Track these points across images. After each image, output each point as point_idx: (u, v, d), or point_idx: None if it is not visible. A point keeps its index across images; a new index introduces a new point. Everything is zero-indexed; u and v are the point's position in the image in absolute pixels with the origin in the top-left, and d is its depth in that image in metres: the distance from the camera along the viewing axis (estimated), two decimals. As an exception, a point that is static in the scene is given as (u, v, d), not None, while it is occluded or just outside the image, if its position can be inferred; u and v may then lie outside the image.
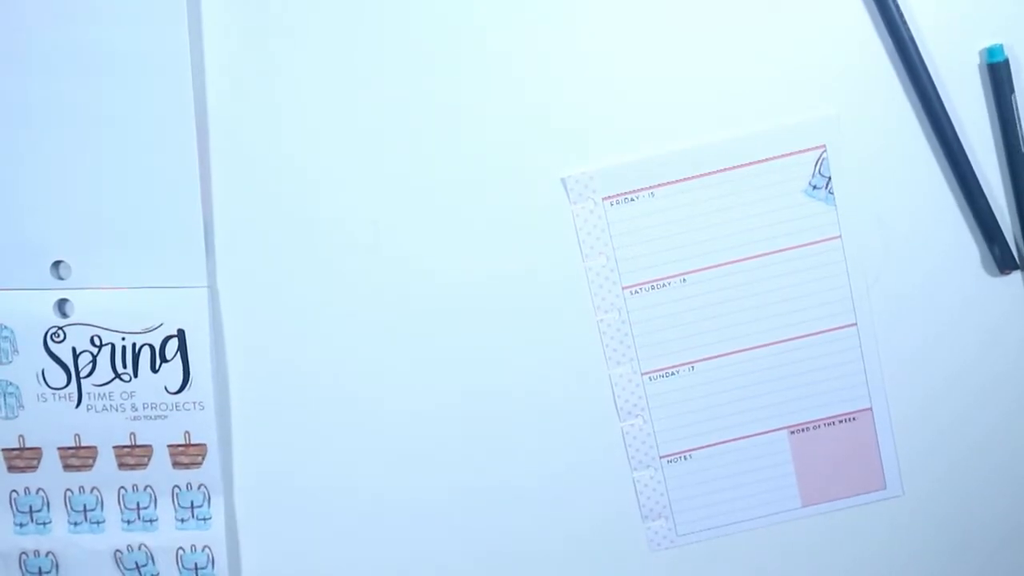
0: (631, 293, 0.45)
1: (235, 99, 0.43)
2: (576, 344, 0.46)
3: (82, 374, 0.44)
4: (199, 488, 0.45)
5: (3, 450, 0.45)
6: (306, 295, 0.45)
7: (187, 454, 0.45)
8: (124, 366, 0.44)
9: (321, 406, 0.46)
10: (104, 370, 0.44)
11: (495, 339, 0.45)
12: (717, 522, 0.48)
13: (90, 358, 0.44)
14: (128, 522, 0.46)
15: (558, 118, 0.44)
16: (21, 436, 0.44)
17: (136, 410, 0.44)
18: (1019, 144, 0.43)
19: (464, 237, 0.44)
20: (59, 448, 0.45)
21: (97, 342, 0.44)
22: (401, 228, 0.44)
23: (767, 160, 0.44)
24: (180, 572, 0.46)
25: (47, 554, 0.46)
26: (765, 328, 0.46)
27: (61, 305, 0.43)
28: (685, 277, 0.45)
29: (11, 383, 0.44)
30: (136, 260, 0.43)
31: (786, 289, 0.45)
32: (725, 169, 0.44)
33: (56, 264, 0.43)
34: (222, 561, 0.46)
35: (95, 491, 0.45)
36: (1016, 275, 0.45)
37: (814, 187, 0.44)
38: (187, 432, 0.45)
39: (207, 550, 0.46)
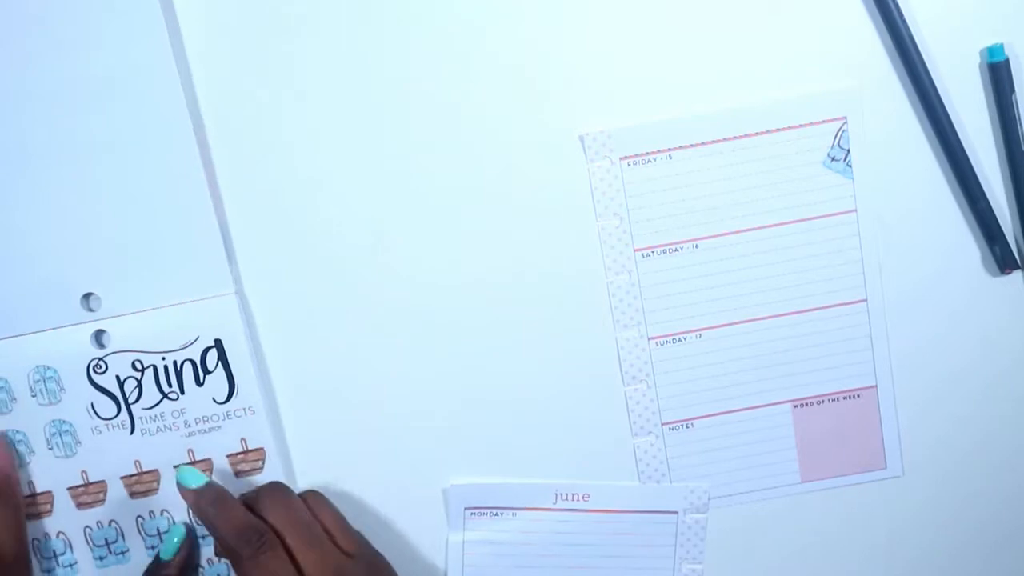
0: (643, 256, 0.45)
1: (231, 103, 0.43)
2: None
3: (130, 400, 0.44)
4: (265, 492, 0.46)
5: (68, 489, 0.45)
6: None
7: (247, 460, 0.45)
8: (169, 385, 0.44)
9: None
10: (151, 393, 0.44)
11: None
12: (714, 493, 0.48)
13: (135, 383, 0.44)
14: (203, 537, 0.46)
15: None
16: (84, 472, 0.45)
17: (189, 426, 0.45)
18: (1019, 143, 0.43)
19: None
20: (122, 477, 0.45)
21: (139, 366, 0.44)
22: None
23: (787, 129, 0.44)
24: (262, 578, 0.47)
25: (132, 582, 0.47)
26: (775, 299, 0.45)
27: (98, 336, 0.44)
28: (698, 243, 0.45)
29: (64, 421, 0.44)
30: (162, 279, 0.43)
31: (798, 261, 0.45)
32: (745, 135, 0.44)
33: (86, 297, 0.43)
34: (300, 560, 0.47)
35: (164, 513, 0.46)
36: (1017, 274, 0.45)
37: (832, 159, 0.44)
38: (243, 439, 0.45)
39: (284, 552, 0.46)
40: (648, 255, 0.45)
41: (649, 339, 0.46)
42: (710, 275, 0.45)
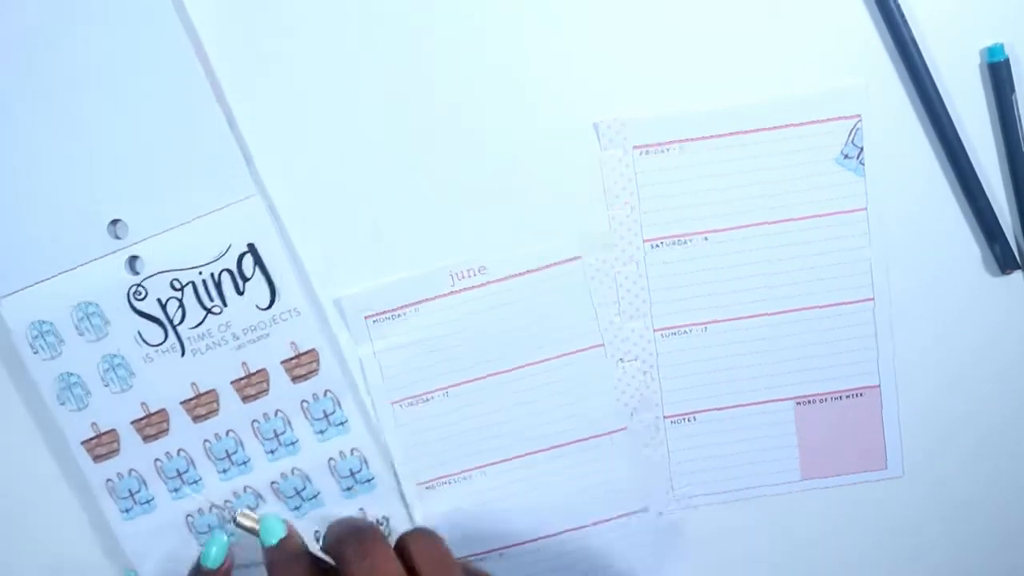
0: (652, 246, 0.44)
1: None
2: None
3: (175, 321, 0.44)
4: (325, 394, 0.45)
5: (132, 423, 0.45)
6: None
7: (301, 364, 0.45)
8: (211, 299, 0.44)
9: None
10: (194, 311, 0.44)
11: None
12: (714, 488, 0.47)
13: (177, 304, 0.44)
14: (271, 452, 0.46)
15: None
16: (144, 403, 0.45)
17: (238, 338, 0.44)
18: (1020, 143, 0.42)
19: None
20: (182, 403, 0.45)
21: (177, 285, 0.44)
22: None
23: (801, 124, 0.43)
24: (338, 483, 0.46)
25: (210, 509, 0.46)
26: (782, 295, 0.45)
27: (132, 263, 0.43)
28: (708, 236, 0.44)
29: (115, 355, 0.44)
30: (184, 194, 0.43)
31: (807, 257, 0.44)
32: (759, 129, 0.43)
33: (112, 224, 0.43)
34: (374, 459, 0.46)
35: (231, 433, 0.45)
36: (1017, 274, 0.45)
37: (846, 156, 0.43)
38: (293, 343, 0.44)
39: (356, 452, 0.46)
40: (657, 246, 0.44)
41: (654, 330, 0.45)
42: (718, 268, 0.45)
